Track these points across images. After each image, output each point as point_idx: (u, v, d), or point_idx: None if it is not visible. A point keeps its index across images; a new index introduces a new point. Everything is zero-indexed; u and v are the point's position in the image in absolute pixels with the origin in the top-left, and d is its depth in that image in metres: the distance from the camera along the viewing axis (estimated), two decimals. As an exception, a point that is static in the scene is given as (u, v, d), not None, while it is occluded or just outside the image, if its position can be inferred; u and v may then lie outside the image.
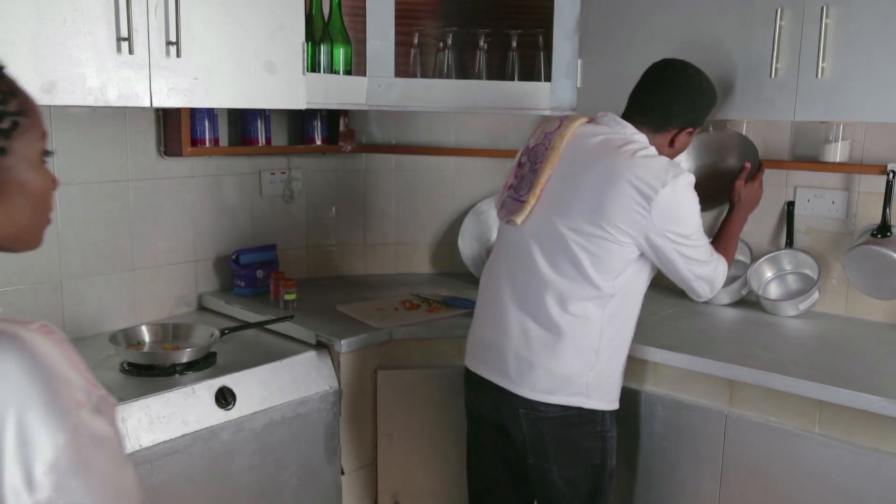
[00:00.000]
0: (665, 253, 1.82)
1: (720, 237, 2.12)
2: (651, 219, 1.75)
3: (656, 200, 1.74)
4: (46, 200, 0.88)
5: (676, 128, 1.90)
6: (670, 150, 1.92)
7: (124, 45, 1.83)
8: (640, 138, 1.87)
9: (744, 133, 2.46)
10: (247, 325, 2.34)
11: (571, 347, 1.84)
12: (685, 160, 2.55)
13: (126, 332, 2.15)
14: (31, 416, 0.67)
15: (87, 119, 2.23)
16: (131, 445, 1.80)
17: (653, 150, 1.84)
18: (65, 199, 2.17)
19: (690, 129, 1.92)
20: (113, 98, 1.84)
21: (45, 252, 2.14)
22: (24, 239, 0.87)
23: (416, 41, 2.68)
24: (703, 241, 1.89)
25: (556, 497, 1.96)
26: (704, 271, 1.89)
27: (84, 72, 1.79)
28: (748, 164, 2.25)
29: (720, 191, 2.34)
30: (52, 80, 1.74)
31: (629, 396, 2.21)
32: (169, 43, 1.91)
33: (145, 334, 2.18)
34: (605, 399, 1.91)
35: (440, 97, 2.54)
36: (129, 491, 0.78)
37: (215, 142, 2.54)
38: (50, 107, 2.07)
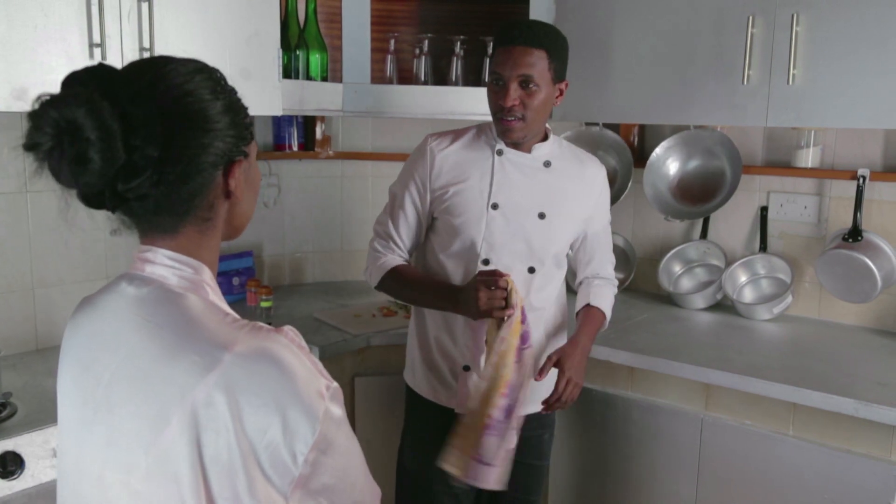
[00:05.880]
0: None
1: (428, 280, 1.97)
2: None
3: None
4: (258, 193, 1.07)
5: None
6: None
7: (97, 51, 1.81)
8: None
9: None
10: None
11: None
12: (675, 161, 2.56)
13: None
14: (291, 412, 0.85)
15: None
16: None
17: None
18: (36, 207, 2.15)
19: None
20: (86, 104, 1.82)
21: (17, 260, 2.11)
22: (244, 225, 1.05)
23: (391, 48, 2.68)
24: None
25: (539, 493, 1.99)
26: None
27: (56, 78, 1.71)
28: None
29: (706, 193, 2.34)
30: (24, 86, 1.71)
31: (606, 400, 2.22)
32: (143, 49, 1.90)
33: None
34: None
35: (416, 103, 2.54)
36: (359, 460, 0.98)
37: (190, 148, 2.51)
38: (21, 114, 2.05)
